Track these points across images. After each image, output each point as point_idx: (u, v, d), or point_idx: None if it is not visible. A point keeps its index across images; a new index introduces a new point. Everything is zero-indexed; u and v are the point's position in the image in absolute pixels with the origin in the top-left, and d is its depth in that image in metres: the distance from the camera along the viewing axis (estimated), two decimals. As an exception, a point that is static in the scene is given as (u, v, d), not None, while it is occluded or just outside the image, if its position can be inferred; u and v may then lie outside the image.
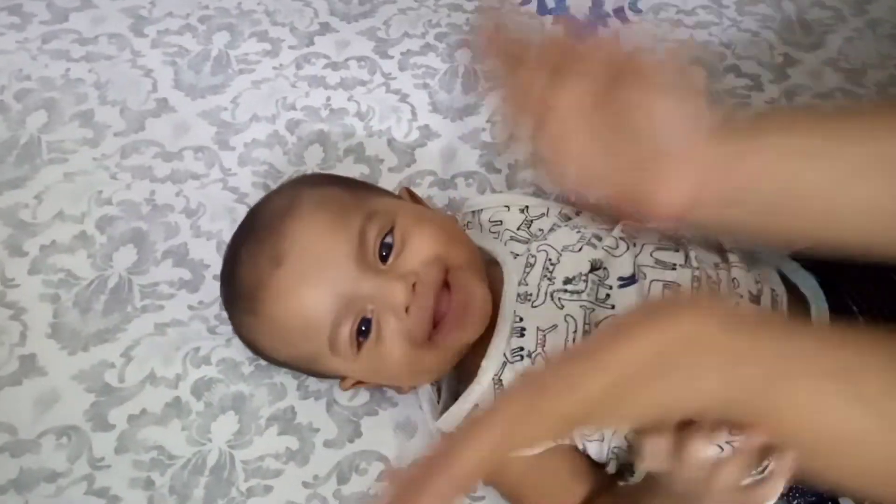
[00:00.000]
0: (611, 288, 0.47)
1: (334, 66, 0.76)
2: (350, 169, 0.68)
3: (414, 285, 0.46)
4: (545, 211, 0.54)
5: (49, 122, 0.70)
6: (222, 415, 0.54)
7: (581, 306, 0.47)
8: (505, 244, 0.52)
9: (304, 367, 0.52)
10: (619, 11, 0.83)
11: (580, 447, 0.46)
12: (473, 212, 0.57)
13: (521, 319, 0.48)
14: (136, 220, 0.64)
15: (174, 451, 0.53)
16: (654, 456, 0.36)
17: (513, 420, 0.33)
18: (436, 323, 0.47)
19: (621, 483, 0.47)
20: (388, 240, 0.48)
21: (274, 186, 0.66)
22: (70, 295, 0.60)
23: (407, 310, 0.46)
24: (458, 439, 0.34)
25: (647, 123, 0.42)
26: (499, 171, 0.69)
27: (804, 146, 0.42)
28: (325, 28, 0.80)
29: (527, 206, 0.55)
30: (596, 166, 0.45)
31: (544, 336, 0.46)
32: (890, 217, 0.41)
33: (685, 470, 0.35)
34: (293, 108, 0.73)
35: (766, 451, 0.36)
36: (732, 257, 0.48)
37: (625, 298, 0.46)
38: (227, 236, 0.63)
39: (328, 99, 0.73)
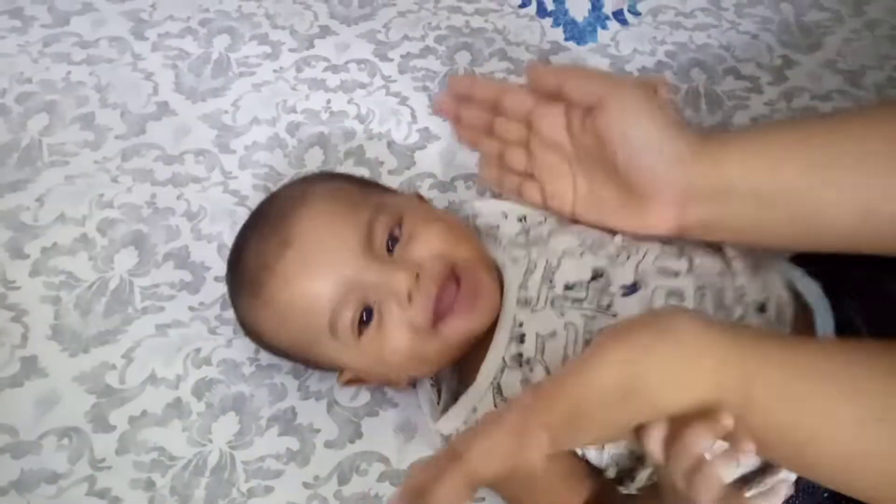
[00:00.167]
0: (613, 296, 0.47)
1: (334, 68, 0.77)
2: (350, 171, 0.68)
3: (418, 275, 0.47)
4: (543, 219, 0.53)
5: (50, 125, 0.71)
6: (223, 415, 0.54)
7: (582, 314, 0.46)
8: (504, 249, 0.52)
9: (304, 355, 0.52)
10: (618, 14, 0.83)
11: (579, 453, 0.46)
12: (469, 216, 0.56)
13: (522, 325, 0.47)
14: (137, 223, 0.64)
15: (175, 451, 0.53)
16: (649, 446, 0.36)
17: (514, 432, 0.35)
18: (441, 315, 0.47)
19: (621, 489, 0.47)
20: (396, 233, 0.49)
21: (275, 189, 0.66)
22: (71, 297, 0.60)
23: (410, 298, 0.46)
24: (463, 444, 0.36)
25: (623, 152, 0.46)
26: (498, 172, 0.69)
27: (777, 148, 0.44)
28: (325, 31, 0.80)
29: (525, 216, 0.54)
30: (584, 199, 0.50)
31: (543, 343, 0.46)
32: (863, 214, 0.42)
33: (678, 462, 0.35)
34: (293, 110, 0.73)
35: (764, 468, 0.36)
36: (737, 264, 0.48)
37: (627, 306, 0.46)
38: (228, 239, 0.63)
39: (328, 102, 0.74)
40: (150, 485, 0.51)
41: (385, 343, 0.47)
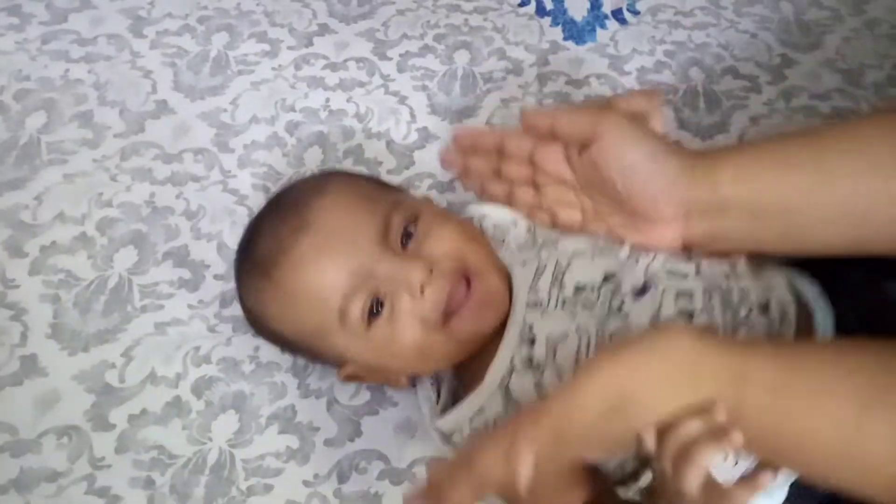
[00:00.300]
0: (624, 297, 0.47)
1: (333, 66, 0.77)
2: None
3: (431, 271, 0.47)
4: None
5: (48, 123, 0.71)
6: (223, 414, 0.55)
7: (594, 317, 0.47)
8: (512, 252, 0.52)
9: (308, 345, 0.51)
10: (617, 13, 0.83)
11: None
12: (476, 218, 0.56)
13: (532, 327, 0.47)
14: (137, 223, 0.64)
15: (174, 450, 0.53)
16: (643, 436, 0.36)
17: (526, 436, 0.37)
18: (451, 312, 0.47)
19: (622, 490, 0.47)
20: (411, 229, 0.49)
21: (274, 188, 0.66)
22: (70, 295, 0.60)
23: (422, 291, 0.47)
24: (474, 450, 0.38)
25: (621, 181, 0.48)
26: (498, 171, 0.69)
27: (768, 163, 0.46)
28: (324, 29, 0.80)
29: (533, 226, 0.54)
30: (592, 222, 0.52)
31: (555, 346, 0.46)
32: (857, 222, 0.44)
33: (666, 448, 0.36)
34: (292, 109, 0.73)
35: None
36: (740, 267, 0.49)
37: (638, 308, 0.46)
38: (228, 238, 0.63)
39: (327, 100, 0.74)
40: (149, 483, 0.52)
41: (394, 335, 0.47)
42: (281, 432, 0.54)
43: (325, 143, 0.70)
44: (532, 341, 0.47)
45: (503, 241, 0.54)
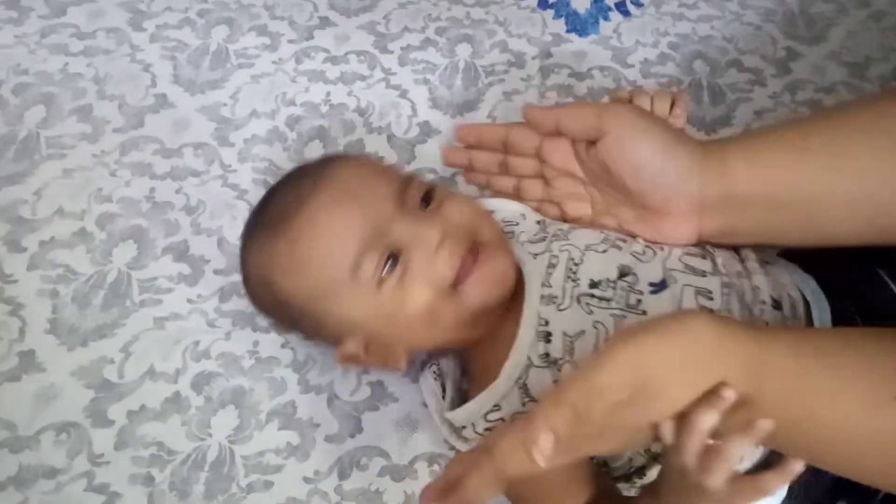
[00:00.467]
0: (642, 294, 0.46)
1: (334, 60, 0.76)
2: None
3: (445, 236, 0.47)
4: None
5: (47, 117, 0.70)
6: (222, 409, 0.54)
7: (611, 314, 0.46)
8: (522, 245, 0.51)
9: (312, 310, 0.49)
10: (620, 5, 0.83)
11: None
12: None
13: (547, 323, 0.46)
14: (137, 218, 0.64)
15: (174, 446, 0.53)
16: (660, 428, 0.36)
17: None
18: (461, 278, 0.47)
19: (625, 486, 0.47)
20: (427, 197, 0.49)
21: (274, 183, 0.66)
22: (69, 290, 0.59)
23: (437, 251, 0.46)
24: (494, 440, 0.37)
25: (630, 179, 0.47)
26: (500, 165, 0.68)
27: (780, 152, 0.45)
28: (325, 22, 0.80)
29: (544, 219, 0.54)
30: (603, 215, 0.51)
31: (572, 343, 0.45)
32: (873, 209, 0.43)
33: (687, 441, 0.35)
34: (293, 103, 0.72)
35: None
36: (751, 265, 0.48)
37: (657, 304, 0.46)
38: (228, 233, 0.63)
39: (328, 94, 0.73)
40: (148, 480, 0.51)
41: (404, 295, 0.46)
42: (281, 428, 0.54)
43: (326, 138, 0.70)
44: (548, 337, 0.46)
45: (512, 234, 0.53)
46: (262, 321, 0.58)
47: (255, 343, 0.57)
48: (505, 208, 0.55)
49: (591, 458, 0.46)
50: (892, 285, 0.46)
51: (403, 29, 0.79)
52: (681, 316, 0.38)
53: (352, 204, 0.47)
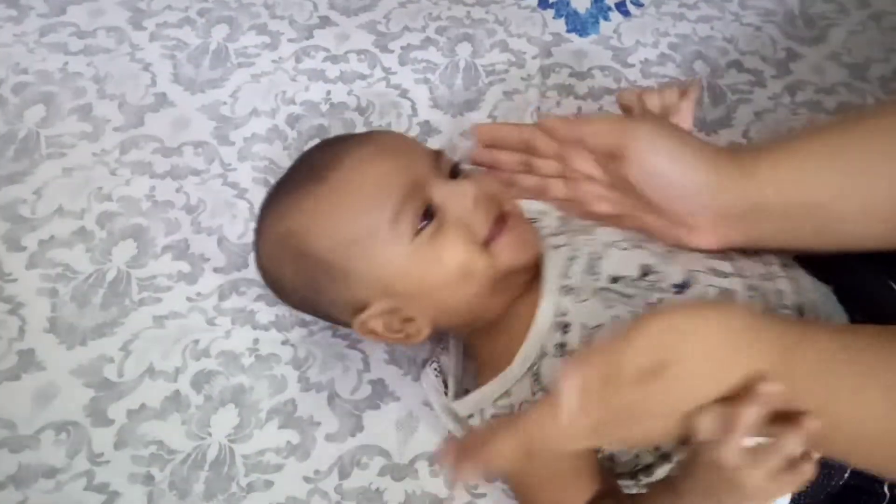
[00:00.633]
0: (664, 294, 0.46)
1: (334, 59, 0.76)
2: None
3: (478, 197, 0.48)
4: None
5: (47, 117, 0.70)
6: (222, 408, 0.54)
7: (631, 311, 0.46)
8: (544, 238, 0.52)
9: (343, 264, 0.47)
10: (620, 5, 0.83)
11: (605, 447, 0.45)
12: None
13: (566, 314, 0.46)
14: (136, 216, 0.64)
15: (174, 445, 0.52)
16: (700, 423, 0.35)
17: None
18: (493, 236, 0.48)
19: (629, 484, 0.47)
20: (457, 170, 0.51)
21: (274, 181, 0.65)
22: (68, 289, 0.59)
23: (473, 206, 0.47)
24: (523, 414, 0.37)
25: (653, 193, 0.47)
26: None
27: (807, 161, 0.45)
28: (325, 21, 0.80)
29: (565, 216, 0.54)
30: (627, 219, 0.51)
31: (589, 336, 0.45)
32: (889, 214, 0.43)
33: (731, 438, 0.35)
34: (293, 102, 0.72)
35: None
36: (774, 269, 0.48)
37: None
38: (228, 231, 0.63)
39: (328, 93, 0.73)
40: (148, 479, 0.51)
41: (440, 249, 0.47)
42: (281, 427, 0.53)
43: (326, 137, 0.70)
44: (565, 327, 0.46)
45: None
46: (263, 319, 0.58)
47: (255, 341, 0.57)
48: (525, 204, 0.54)
49: (598, 453, 0.46)
50: None
51: (404, 28, 0.79)
52: (716, 302, 0.38)
53: (394, 158, 0.48)
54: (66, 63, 0.74)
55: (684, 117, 0.53)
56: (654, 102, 0.54)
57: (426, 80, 0.75)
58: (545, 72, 0.76)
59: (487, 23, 0.80)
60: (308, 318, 0.57)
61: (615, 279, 0.47)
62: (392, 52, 0.77)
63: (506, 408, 0.47)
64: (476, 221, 0.47)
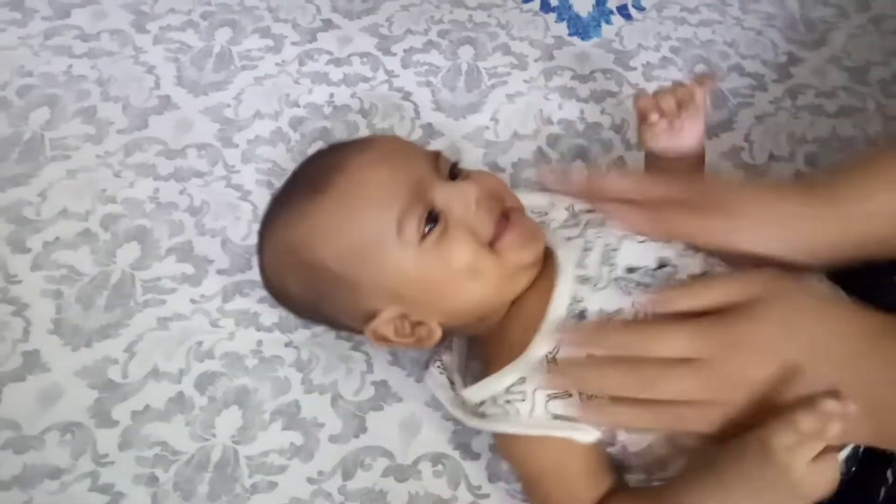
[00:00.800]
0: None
1: (337, 62, 0.76)
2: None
3: (481, 197, 0.48)
4: (592, 207, 0.53)
5: (52, 119, 0.70)
6: (226, 409, 0.54)
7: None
8: (554, 232, 0.52)
9: (348, 273, 0.47)
10: (622, 9, 0.83)
11: (619, 438, 0.45)
12: None
13: (582, 301, 0.47)
14: (141, 219, 0.64)
15: (178, 446, 0.53)
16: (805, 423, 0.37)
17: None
18: (498, 235, 0.48)
19: (639, 481, 0.47)
20: (456, 170, 0.51)
21: (278, 184, 0.66)
22: (72, 291, 0.59)
23: (476, 206, 0.48)
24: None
25: (707, 242, 0.47)
26: (503, 169, 0.68)
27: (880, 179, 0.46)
28: (328, 24, 0.80)
29: (572, 204, 0.54)
30: None
31: (609, 320, 0.46)
32: None
33: (812, 445, 0.37)
34: (296, 104, 0.72)
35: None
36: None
37: None
38: (231, 233, 0.63)
39: (331, 96, 0.73)
40: (152, 480, 0.51)
41: (448, 251, 0.47)
42: (285, 428, 0.54)
43: (329, 139, 0.70)
44: (582, 315, 0.46)
45: (542, 224, 0.53)
46: (266, 320, 0.58)
47: (259, 343, 0.57)
48: (533, 199, 0.55)
49: (611, 447, 0.46)
50: None
51: (406, 31, 0.80)
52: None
53: (394, 163, 0.49)
54: (70, 66, 0.75)
55: (698, 110, 0.53)
56: (669, 104, 0.54)
57: (429, 83, 0.75)
58: (547, 75, 0.76)
59: (489, 26, 0.81)
60: (311, 320, 0.58)
61: (631, 269, 0.47)
62: (395, 55, 0.77)
63: (519, 395, 0.46)
64: (480, 222, 0.48)
